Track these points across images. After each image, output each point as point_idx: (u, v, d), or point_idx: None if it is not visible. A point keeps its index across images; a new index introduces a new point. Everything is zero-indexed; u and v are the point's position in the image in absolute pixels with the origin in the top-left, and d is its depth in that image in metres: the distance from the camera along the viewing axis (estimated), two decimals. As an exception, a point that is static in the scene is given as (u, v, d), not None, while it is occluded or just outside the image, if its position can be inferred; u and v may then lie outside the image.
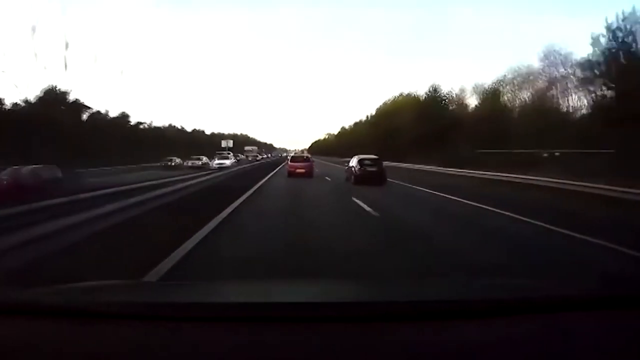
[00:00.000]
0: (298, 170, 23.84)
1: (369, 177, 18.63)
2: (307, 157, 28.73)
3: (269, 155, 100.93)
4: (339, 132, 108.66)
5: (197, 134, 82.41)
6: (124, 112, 52.79)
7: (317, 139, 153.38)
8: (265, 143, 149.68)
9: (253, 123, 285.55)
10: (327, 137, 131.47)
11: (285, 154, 78.92)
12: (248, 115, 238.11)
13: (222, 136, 79.19)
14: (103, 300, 1.41)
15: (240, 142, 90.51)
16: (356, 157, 20.74)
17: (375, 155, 21.68)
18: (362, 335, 1.13)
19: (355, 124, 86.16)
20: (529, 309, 1.31)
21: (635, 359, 1.10)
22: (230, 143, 65.88)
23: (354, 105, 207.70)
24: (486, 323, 1.20)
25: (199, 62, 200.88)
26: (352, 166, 20.27)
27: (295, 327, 1.17)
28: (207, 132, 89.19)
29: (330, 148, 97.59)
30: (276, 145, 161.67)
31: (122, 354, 1.08)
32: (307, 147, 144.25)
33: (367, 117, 75.19)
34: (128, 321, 1.21)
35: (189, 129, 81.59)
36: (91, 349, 1.10)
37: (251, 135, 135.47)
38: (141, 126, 57.05)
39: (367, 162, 20.02)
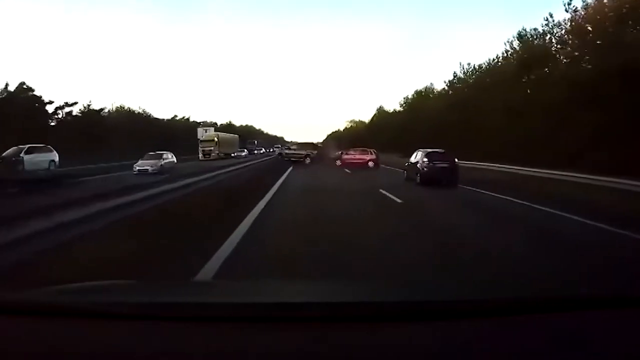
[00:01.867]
0: (356, 161, 25.38)
1: (439, 176, 15.77)
2: (371, 150, 28.91)
3: (265, 150, 72.67)
4: (377, 114, 76.39)
5: (175, 123, 62.44)
6: (24, 84, 36.05)
7: (333, 130, 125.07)
8: (275, 136, 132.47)
9: (263, 116, 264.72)
10: (351, 125, 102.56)
11: (294, 148, 63.22)
12: (257, 108, 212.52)
13: (212, 126, 60.44)
14: (103, 300, 1.41)
15: (244, 135, 73.27)
16: (421, 151, 17.60)
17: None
18: (362, 336, 1.13)
19: (419, 93, 55.12)
20: (531, 309, 1.31)
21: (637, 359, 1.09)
22: (212, 131, 50.68)
23: (369, 98, 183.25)
24: (486, 323, 1.21)
25: (206, 52, 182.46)
26: (417, 162, 17.16)
27: (294, 327, 1.16)
28: (199, 122, 68.70)
29: (357, 140, 61.63)
30: (287, 138, 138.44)
31: (121, 354, 1.09)
32: (321, 140, 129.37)
33: (455, 78, 41.82)
34: (128, 321, 1.21)
35: (175, 118, 63.76)
36: (91, 349, 1.10)
37: (257, 126, 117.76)
38: (67, 109, 39.93)
39: (436, 156, 16.76)
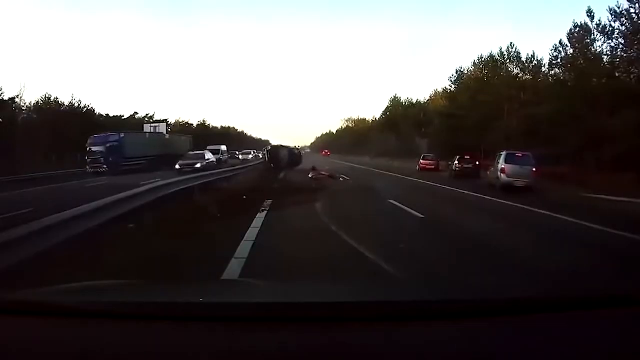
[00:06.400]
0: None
1: (466, 173, 21.84)
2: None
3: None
4: (390, 108, 57.73)
5: (132, 121, 46.19)
6: None
7: (322, 132, 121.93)
8: (261, 139, 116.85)
9: (246, 118, 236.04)
10: (349, 125, 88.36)
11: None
12: (241, 109, 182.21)
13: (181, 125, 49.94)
14: (103, 300, 1.42)
15: (225, 137, 61.46)
16: (458, 155, 23.69)
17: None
18: (364, 336, 1.12)
19: (484, 63, 35.63)
20: (532, 309, 1.30)
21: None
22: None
23: (358, 101, 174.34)
24: (487, 323, 1.21)
25: (182, 46, 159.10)
26: (453, 163, 23.74)
27: (295, 327, 1.16)
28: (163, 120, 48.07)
29: (359, 144, 54.06)
30: (273, 142, 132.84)
31: (121, 354, 1.09)
32: (309, 143, 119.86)
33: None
34: (128, 321, 1.21)
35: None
36: (91, 349, 1.10)
37: (240, 128, 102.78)
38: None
39: (464, 159, 23.17)
